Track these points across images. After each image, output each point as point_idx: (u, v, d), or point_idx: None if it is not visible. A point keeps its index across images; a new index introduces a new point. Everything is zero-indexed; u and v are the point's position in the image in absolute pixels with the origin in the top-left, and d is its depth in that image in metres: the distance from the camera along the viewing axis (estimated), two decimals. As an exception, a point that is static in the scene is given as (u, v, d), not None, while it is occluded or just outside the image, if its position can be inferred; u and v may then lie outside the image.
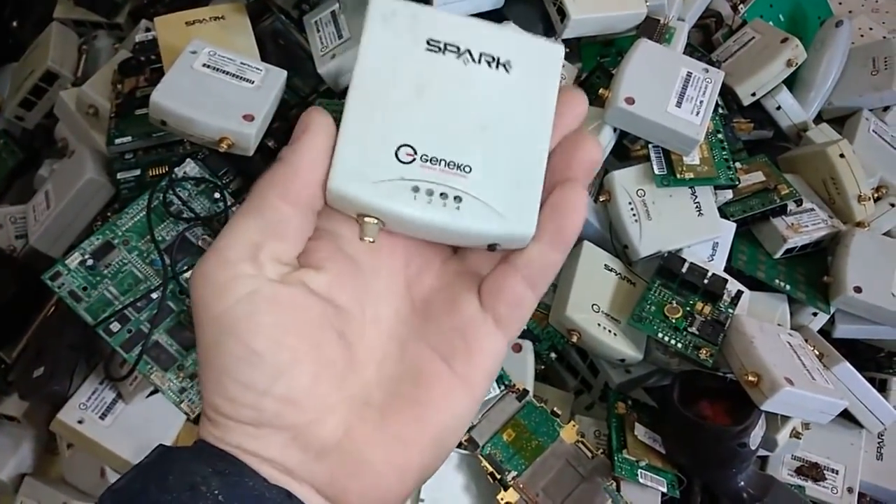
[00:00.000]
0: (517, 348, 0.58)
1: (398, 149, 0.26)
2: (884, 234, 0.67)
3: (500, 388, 0.57)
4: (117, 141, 0.58)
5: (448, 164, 0.26)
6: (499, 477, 0.54)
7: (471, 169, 0.26)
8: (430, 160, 0.26)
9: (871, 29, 0.85)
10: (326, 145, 0.26)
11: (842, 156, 0.66)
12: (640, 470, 0.55)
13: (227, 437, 0.25)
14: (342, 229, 0.28)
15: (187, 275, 0.53)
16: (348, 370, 0.27)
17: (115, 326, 0.51)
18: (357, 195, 0.26)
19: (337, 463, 0.26)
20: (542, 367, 0.61)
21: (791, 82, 0.73)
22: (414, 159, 0.26)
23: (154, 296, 0.52)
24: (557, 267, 0.28)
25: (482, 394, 0.28)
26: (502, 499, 0.53)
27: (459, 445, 0.55)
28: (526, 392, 0.57)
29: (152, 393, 0.56)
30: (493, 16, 0.62)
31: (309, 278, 0.26)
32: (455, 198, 0.26)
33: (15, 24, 0.80)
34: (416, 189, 0.26)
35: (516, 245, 0.27)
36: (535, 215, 0.27)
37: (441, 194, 0.26)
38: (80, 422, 0.55)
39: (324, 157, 0.26)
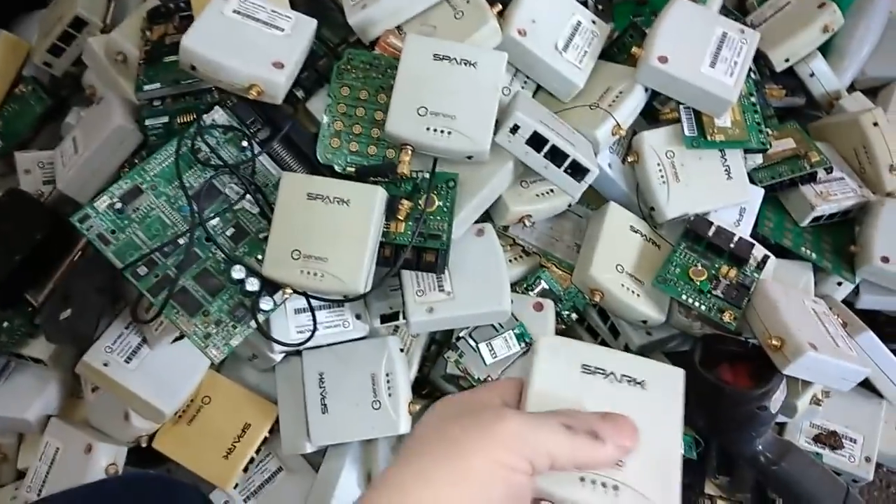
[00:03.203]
0: (539, 307, 0.58)
1: None
2: (914, 205, 0.66)
3: (520, 345, 0.57)
4: (146, 88, 0.58)
5: None
6: (517, 432, 0.54)
7: (623, 462, 0.33)
8: None
9: (911, -2, 0.83)
10: None
11: (875, 124, 0.65)
12: (658, 430, 0.55)
13: None
14: None
15: (214, 222, 0.53)
16: None
17: (142, 270, 0.52)
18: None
19: None
20: (563, 327, 0.61)
21: (825, 50, 0.72)
22: None
23: (181, 241, 0.52)
24: None
25: None
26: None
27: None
28: (546, 350, 0.57)
29: (177, 339, 0.57)
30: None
31: None
32: (614, 487, 0.32)
33: (43, -30, 0.80)
34: (582, 479, 0.32)
35: None
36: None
37: (602, 483, 0.32)
38: (105, 364, 0.56)
39: None
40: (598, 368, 0.34)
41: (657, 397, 0.34)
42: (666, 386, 0.34)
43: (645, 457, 0.32)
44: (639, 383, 0.34)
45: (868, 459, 0.60)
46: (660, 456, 0.33)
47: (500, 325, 0.57)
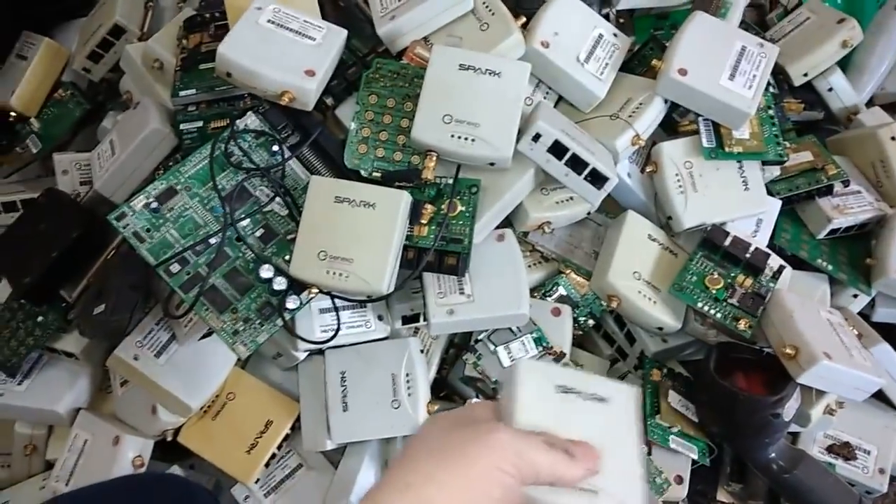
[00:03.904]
0: (556, 312, 0.59)
1: None
2: (932, 220, 0.67)
3: (538, 349, 0.58)
4: (182, 93, 0.60)
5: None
6: (533, 434, 0.55)
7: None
8: None
9: (931, 15, 0.84)
10: None
11: (893, 139, 0.66)
12: (671, 436, 0.56)
13: None
14: None
15: (245, 223, 0.55)
16: None
17: (174, 268, 0.54)
18: None
19: None
20: (580, 333, 0.63)
21: (845, 65, 0.73)
22: None
23: (213, 241, 0.54)
24: None
25: None
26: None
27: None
28: (563, 355, 0.58)
29: (205, 336, 0.59)
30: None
31: None
32: (593, 491, 0.35)
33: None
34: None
35: None
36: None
37: (581, 488, 0.35)
38: (135, 358, 0.57)
39: None
40: (571, 388, 0.38)
41: (618, 411, 0.38)
42: (623, 401, 0.38)
43: (615, 464, 0.36)
44: (602, 400, 0.38)
45: (882, 471, 0.60)
46: (626, 462, 0.37)
47: (518, 328, 0.59)
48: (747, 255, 0.57)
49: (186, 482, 0.55)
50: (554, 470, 0.34)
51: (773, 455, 0.56)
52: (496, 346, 0.58)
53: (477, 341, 0.59)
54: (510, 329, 0.59)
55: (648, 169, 0.60)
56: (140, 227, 0.54)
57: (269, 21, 0.56)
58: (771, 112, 0.61)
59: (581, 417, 0.37)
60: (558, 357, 0.58)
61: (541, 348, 0.58)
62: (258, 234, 0.56)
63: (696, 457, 0.57)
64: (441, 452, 0.35)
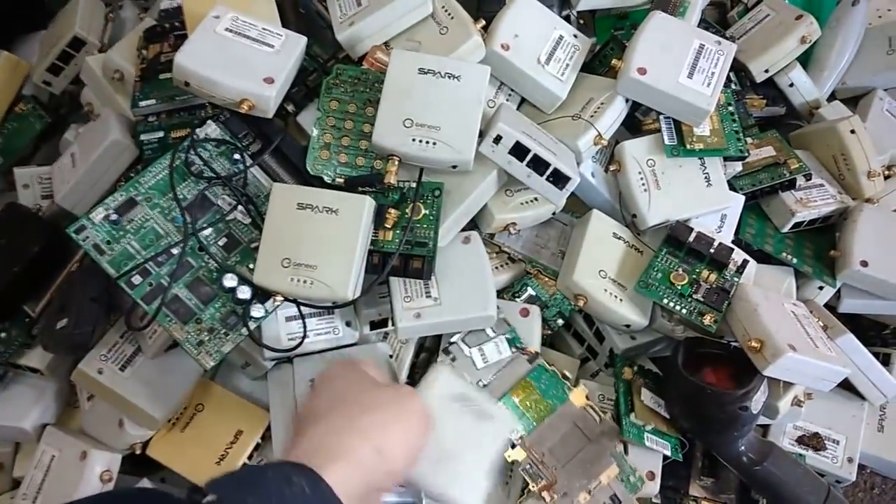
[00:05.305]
0: (525, 313, 0.59)
1: None
2: (893, 210, 0.68)
3: (510, 349, 0.58)
4: (141, 104, 0.59)
5: None
6: (506, 436, 0.55)
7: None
8: None
9: (889, 10, 0.85)
10: None
11: (852, 132, 0.66)
12: (646, 433, 0.56)
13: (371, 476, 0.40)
14: None
15: (207, 232, 0.55)
16: None
17: (136, 279, 0.53)
18: None
19: None
20: (549, 332, 0.63)
21: (805, 61, 0.74)
22: None
23: (174, 251, 0.54)
24: None
25: None
26: (509, 457, 0.54)
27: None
28: (537, 355, 0.58)
29: (170, 347, 0.58)
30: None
31: None
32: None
33: (44, -8, 0.82)
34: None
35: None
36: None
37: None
38: (100, 372, 0.57)
39: None
40: (465, 398, 0.49)
41: (493, 428, 0.50)
42: (500, 424, 0.51)
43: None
44: (485, 416, 0.50)
45: (850, 460, 0.61)
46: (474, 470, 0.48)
47: (493, 329, 0.58)
48: (711, 251, 0.58)
49: (166, 495, 0.54)
50: None
51: (742, 448, 0.56)
52: (470, 349, 0.58)
53: (451, 343, 0.59)
54: (484, 331, 0.58)
55: (612, 168, 0.61)
56: (100, 239, 0.54)
57: (226, 29, 0.55)
58: (731, 109, 0.62)
59: (459, 425, 0.48)
60: (532, 357, 0.58)
61: (514, 349, 0.58)
62: (221, 242, 0.55)
63: (669, 453, 0.57)
64: (380, 404, 0.43)
